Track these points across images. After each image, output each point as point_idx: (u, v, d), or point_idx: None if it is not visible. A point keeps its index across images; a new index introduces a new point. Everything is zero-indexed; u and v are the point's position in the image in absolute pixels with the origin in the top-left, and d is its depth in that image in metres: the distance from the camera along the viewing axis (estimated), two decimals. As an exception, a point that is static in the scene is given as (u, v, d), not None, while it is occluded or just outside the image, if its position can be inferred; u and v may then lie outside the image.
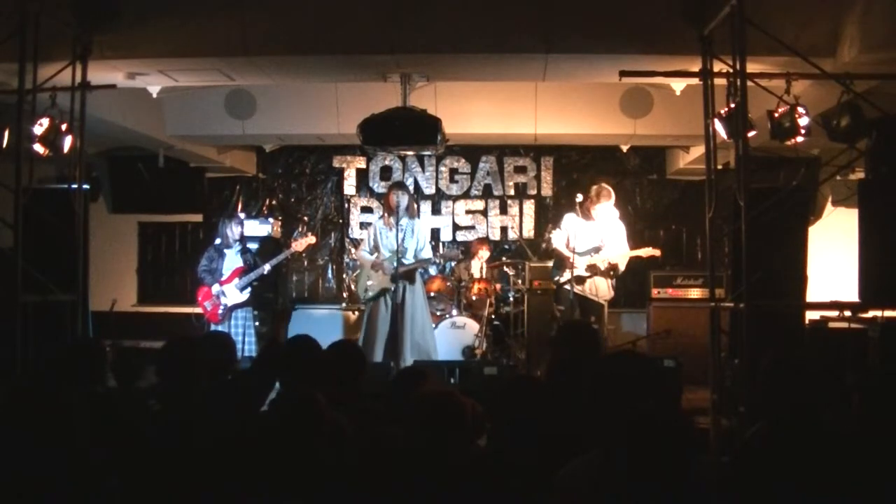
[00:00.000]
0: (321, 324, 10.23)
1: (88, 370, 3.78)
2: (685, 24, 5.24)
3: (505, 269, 9.08)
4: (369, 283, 7.51)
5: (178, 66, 6.02)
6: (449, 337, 8.19)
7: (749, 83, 4.97)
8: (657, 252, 7.90)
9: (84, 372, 3.74)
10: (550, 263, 8.20)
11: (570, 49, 5.71)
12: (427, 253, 7.61)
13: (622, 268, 7.65)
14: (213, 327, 7.65)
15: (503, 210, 10.42)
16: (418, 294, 7.54)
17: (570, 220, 7.78)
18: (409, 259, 7.40)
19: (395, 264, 7.21)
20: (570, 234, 7.67)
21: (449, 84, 7.63)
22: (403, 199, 7.33)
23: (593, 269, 7.54)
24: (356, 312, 10.09)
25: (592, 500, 2.50)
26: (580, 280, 7.49)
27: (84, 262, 5.81)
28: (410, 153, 9.67)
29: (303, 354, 3.90)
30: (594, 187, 7.69)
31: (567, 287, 7.51)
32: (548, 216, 10.25)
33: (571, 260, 7.46)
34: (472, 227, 10.41)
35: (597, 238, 7.55)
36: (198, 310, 7.98)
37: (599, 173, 10.24)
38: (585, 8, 5.55)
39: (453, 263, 8.93)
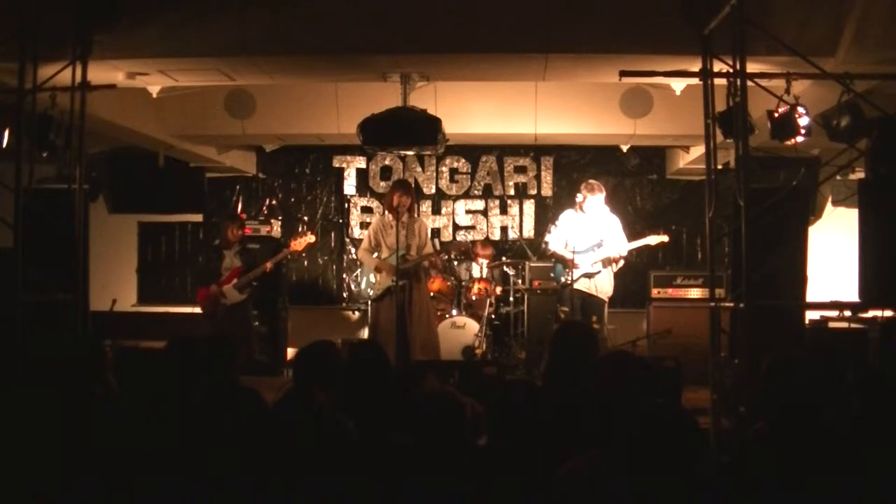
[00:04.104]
0: (321, 324, 10.23)
1: (88, 370, 3.78)
2: (685, 24, 5.24)
3: (505, 269, 9.08)
4: (373, 282, 7.50)
5: (178, 66, 6.02)
6: (449, 337, 8.18)
7: (749, 83, 4.96)
8: (665, 237, 7.93)
9: (84, 372, 3.74)
10: (551, 263, 8.20)
11: (570, 49, 5.71)
12: (430, 248, 7.61)
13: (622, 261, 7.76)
14: (212, 327, 7.65)
15: (503, 210, 10.41)
16: (423, 292, 7.54)
17: (567, 217, 7.79)
18: (412, 256, 7.41)
19: (397, 261, 7.20)
20: (567, 233, 7.67)
21: (449, 84, 7.63)
22: (406, 199, 7.32)
23: (606, 262, 7.56)
24: (356, 312, 10.09)
25: (592, 500, 2.50)
26: (587, 276, 7.50)
27: (84, 262, 5.80)
28: (410, 153, 9.66)
29: (321, 359, 3.85)
30: (584, 183, 7.76)
31: (574, 286, 7.52)
32: (548, 216, 10.20)
33: (572, 259, 7.47)
34: (473, 227, 10.41)
35: (596, 235, 7.54)
36: (198, 309, 7.99)
37: (599, 173, 10.25)
38: (585, 8, 5.54)
39: (456, 262, 8.93)
